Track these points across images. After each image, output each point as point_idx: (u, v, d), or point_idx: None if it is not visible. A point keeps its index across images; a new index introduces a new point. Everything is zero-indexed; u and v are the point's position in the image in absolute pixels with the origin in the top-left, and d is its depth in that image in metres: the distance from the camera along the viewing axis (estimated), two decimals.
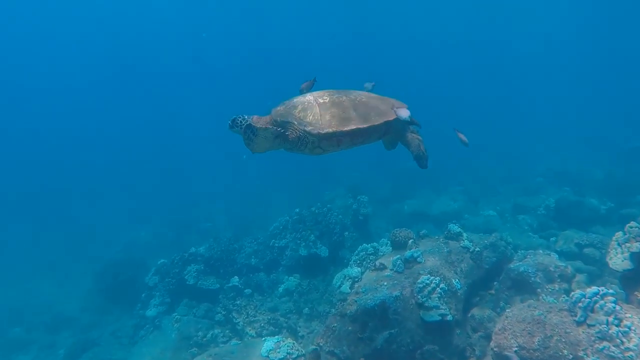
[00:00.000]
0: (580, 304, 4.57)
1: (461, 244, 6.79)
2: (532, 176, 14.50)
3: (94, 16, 33.63)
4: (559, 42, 37.27)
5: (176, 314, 7.86)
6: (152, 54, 39.08)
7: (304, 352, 6.36)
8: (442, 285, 5.72)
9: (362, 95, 3.56)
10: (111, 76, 37.83)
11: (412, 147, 3.63)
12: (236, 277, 9.23)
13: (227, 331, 7.67)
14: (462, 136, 4.54)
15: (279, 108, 3.46)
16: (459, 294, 6.03)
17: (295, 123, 3.29)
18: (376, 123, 3.34)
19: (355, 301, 5.95)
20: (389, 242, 7.67)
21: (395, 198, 14.88)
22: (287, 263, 10.12)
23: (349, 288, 7.12)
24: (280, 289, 9.33)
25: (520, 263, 6.69)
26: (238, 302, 8.07)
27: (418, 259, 6.31)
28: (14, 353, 10.13)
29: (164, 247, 14.61)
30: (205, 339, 7.48)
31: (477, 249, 6.74)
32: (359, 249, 8.57)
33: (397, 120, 3.54)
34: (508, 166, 17.17)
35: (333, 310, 7.34)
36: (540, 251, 6.90)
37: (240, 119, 3.29)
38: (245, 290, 9.17)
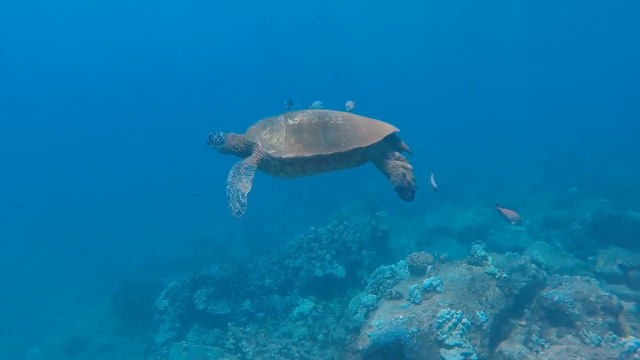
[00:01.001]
0: (636, 356, 3.90)
1: (486, 270, 6.18)
2: (563, 185, 13.53)
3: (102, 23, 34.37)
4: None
5: (184, 341, 7.55)
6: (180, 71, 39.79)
7: None
8: (464, 320, 5.15)
9: (340, 118, 3.19)
10: (132, 87, 38.66)
11: (392, 176, 3.22)
12: (248, 300, 8.86)
13: None
14: (432, 181, 4.14)
15: (252, 127, 3.32)
16: (484, 327, 5.43)
17: (260, 145, 3.14)
18: (342, 150, 3.03)
19: (369, 336, 5.46)
20: (407, 265, 7.12)
21: (417, 210, 14.23)
22: (302, 284, 9.68)
23: (364, 317, 6.61)
24: (295, 313, 8.89)
25: (555, 291, 6.01)
26: (248, 329, 7.68)
27: (437, 289, 5.76)
28: None
29: (181, 264, 14.48)
30: None
31: (504, 275, 6.12)
32: (375, 271, 8.06)
33: (375, 146, 3.17)
34: (536, 174, 16.22)
35: (348, 337, 6.87)
36: (578, 277, 6.16)
37: (215, 137, 3.30)
38: (258, 314, 8.78)
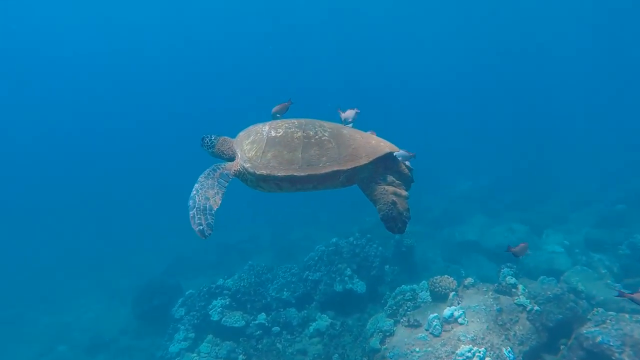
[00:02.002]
0: None
1: (515, 301, 5.62)
2: (609, 202, 12.43)
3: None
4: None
5: (194, 355, 7.41)
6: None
7: None
8: (487, 359, 4.64)
9: (327, 133, 2.81)
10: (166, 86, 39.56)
11: (378, 204, 2.80)
12: (263, 313, 8.63)
13: None
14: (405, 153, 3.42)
15: (241, 133, 3.05)
16: None
17: (239, 155, 2.87)
18: (319, 172, 2.66)
19: None
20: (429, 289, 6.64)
21: (447, 221, 13.57)
22: (321, 299, 9.35)
23: (379, 343, 6.18)
24: (311, 329, 8.57)
25: (598, 329, 5.35)
26: (260, 346, 7.43)
27: (459, 320, 5.26)
28: None
29: (205, 267, 14.55)
30: None
31: (537, 307, 5.52)
32: (396, 291, 7.62)
33: (362, 168, 2.77)
34: (580, 186, 15.08)
35: None
36: (627, 316, 5.43)
37: (207, 140, 3.12)
38: (274, 328, 8.53)
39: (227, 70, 41.05)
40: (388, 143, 2.93)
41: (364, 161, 2.72)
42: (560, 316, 5.84)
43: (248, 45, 39.28)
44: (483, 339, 4.95)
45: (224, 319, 8.18)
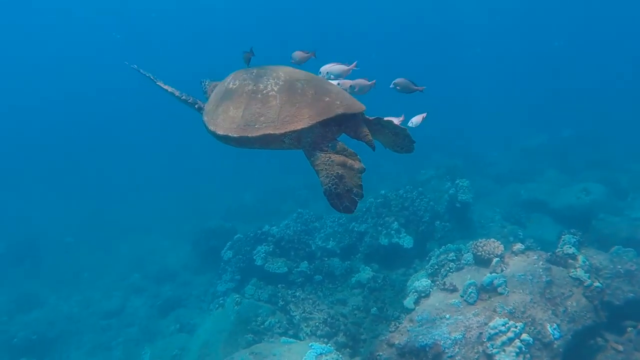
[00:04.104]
0: None
1: (571, 274, 4.92)
2: None
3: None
4: None
5: (237, 295, 7.78)
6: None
7: None
8: (524, 336, 4.17)
9: (277, 87, 2.39)
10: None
11: (320, 176, 2.31)
12: (306, 262, 8.73)
13: (285, 322, 7.30)
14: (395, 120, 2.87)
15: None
16: (555, 345, 4.38)
17: (205, 103, 2.79)
18: (251, 135, 2.32)
19: (408, 330, 4.84)
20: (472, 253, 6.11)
21: (513, 177, 12.40)
22: (365, 251, 9.22)
23: (413, 303, 5.91)
24: (353, 280, 8.55)
25: None
26: (297, 293, 7.57)
27: (499, 289, 4.77)
28: (132, 295, 11.71)
29: (262, 214, 15.08)
30: (262, 327, 7.25)
31: (598, 283, 4.80)
32: (442, 249, 7.20)
33: (303, 132, 2.32)
34: None
35: (402, 316, 6.33)
36: None
37: (202, 84, 3.11)
38: (316, 277, 8.63)
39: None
40: (349, 101, 2.40)
41: (301, 125, 2.26)
42: (632, 295, 5.10)
43: None
44: (524, 312, 4.45)
45: (266, 264, 8.43)
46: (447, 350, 4.29)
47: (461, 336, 4.34)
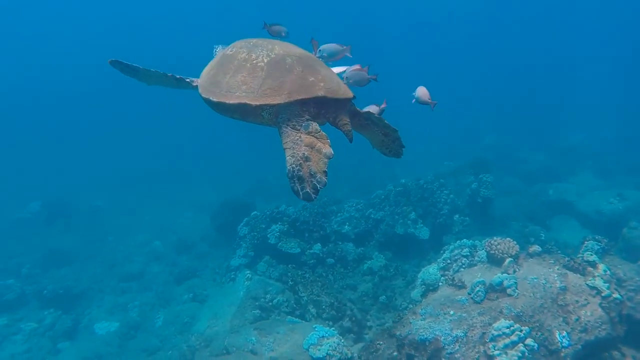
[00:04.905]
0: None
1: (588, 282, 4.68)
2: None
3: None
4: None
5: (249, 271, 7.90)
6: None
7: (348, 354, 5.56)
8: (529, 340, 4.03)
9: (268, 59, 2.30)
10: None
11: (286, 154, 2.16)
12: (319, 244, 8.75)
13: (292, 302, 7.38)
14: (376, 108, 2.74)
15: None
16: (562, 353, 4.23)
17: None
18: (229, 102, 2.22)
19: (410, 323, 4.77)
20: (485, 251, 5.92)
21: (543, 176, 11.88)
22: (380, 238, 9.15)
23: (420, 296, 5.84)
24: (365, 266, 8.54)
25: None
26: (308, 275, 7.61)
27: (508, 290, 4.61)
28: (152, 262, 12.14)
29: (283, 193, 15.18)
30: (270, 304, 7.35)
31: (617, 295, 4.55)
32: (456, 244, 7.00)
33: (284, 107, 2.21)
34: None
35: (410, 307, 6.28)
36: None
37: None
38: (328, 260, 8.66)
39: None
40: (337, 87, 2.26)
41: (278, 100, 2.15)
42: None
43: None
44: (532, 317, 4.28)
45: (280, 243, 8.50)
46: (447, 347, 4.21)
47: (463, 334, 4.25)
